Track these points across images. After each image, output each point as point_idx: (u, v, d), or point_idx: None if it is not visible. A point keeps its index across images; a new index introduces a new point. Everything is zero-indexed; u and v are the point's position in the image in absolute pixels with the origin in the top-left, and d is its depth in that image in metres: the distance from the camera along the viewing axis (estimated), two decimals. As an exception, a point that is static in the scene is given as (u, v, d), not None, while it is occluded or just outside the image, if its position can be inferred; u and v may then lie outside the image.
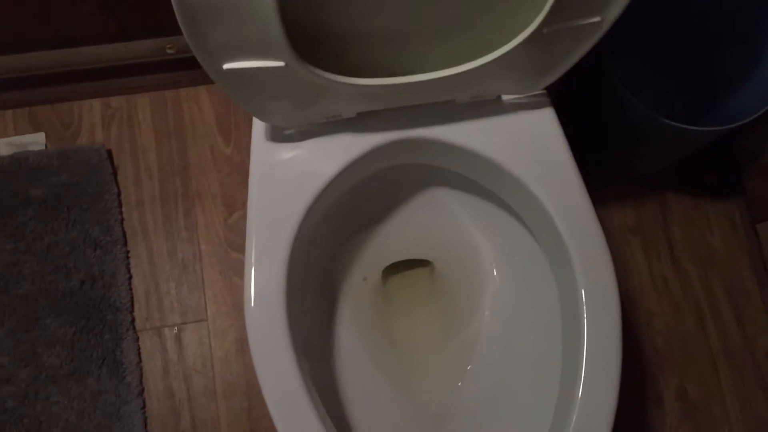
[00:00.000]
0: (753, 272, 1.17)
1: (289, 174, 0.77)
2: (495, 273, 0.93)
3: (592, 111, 1.10)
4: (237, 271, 1.14)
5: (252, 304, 0.73)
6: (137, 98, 1.19)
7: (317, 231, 0.80)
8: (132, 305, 1.11)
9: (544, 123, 0.81)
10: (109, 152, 1.16)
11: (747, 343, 1.14)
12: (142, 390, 1.08)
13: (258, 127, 0.79)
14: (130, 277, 1.12)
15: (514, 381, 0.87)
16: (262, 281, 0.73)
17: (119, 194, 1.15)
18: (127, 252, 1.13)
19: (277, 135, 0.78)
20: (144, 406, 1.07)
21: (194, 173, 1.17)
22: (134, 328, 1.10)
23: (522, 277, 0.91)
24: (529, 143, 0.80)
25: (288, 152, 0.78)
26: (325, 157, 0.78)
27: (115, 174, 1.15)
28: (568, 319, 0.78)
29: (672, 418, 1.11)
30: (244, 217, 1.15)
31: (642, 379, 1.12)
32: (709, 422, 1.11)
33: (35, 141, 1.16)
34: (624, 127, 1.03)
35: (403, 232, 0.94)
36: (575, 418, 0.70)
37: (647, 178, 1.21)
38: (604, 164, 1.19)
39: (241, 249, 1.14)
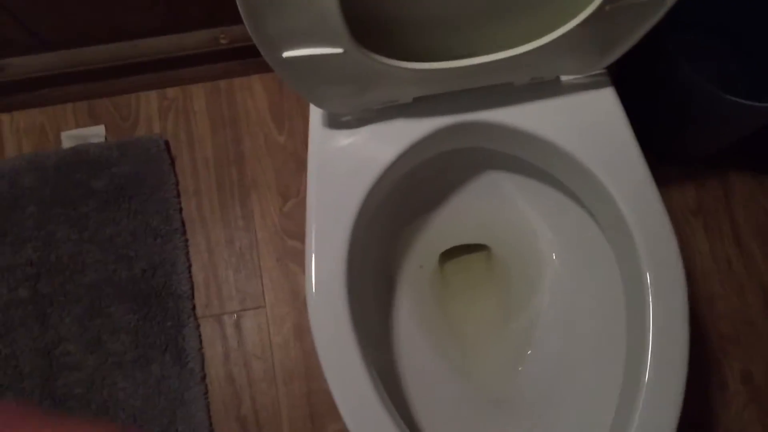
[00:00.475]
0: (821, 252, 1.13)
1: (346, 161, 0.77)
2: (554, 257, 0.92)
3: (649, 89, 1.07)
4: (293, 258, 1.15)
5: (313, 291, 0.73)
6: (192, 89, 1.21)
7: (375, 217, 0.81)
8: (192, 293, 1.13)
9: (605, 103, 0.79)
10: (167, 143, 1.18)
11: (816, 326, 1.11)
12: (204, 376, 1.10)
13: (315, 114, 0.79)
14: (190, 266, 1.14)
15: (576, 366, 0.86)
16: (323, 268, 0.74)
17: (177, 184, 1.17)
18: (186, 241, 1.15)
19: (334, 122, 0.78)
20: (206, 392, 1.09)
21: (249, 162, 1.18)
22: (195, 315, 1.12)
23: (582, 261, 0.89)
24: (590, 124, 0.78)
25: (345, 139, 0.78)
26: (383, 143, 0.77)
27: (172, 164, 1.17)
28: (632, 304, 0.77)
29: (737, 402, 1.08)
30: (298, 204, 1.16)
31: (706, 363, 1.10)
32: (777, 407, 1.08)
33: (95, 133, 1.19)
34: (685, 106, 1.00)
35: (459, 217, 0.93)
36: (642, 405, 0.69)
37: (708, 157, 1.17)
38: (663, 144, 1.16)
39: (296, 236, 1.15)
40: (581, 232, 0.87)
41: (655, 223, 0.75)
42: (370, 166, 0.77)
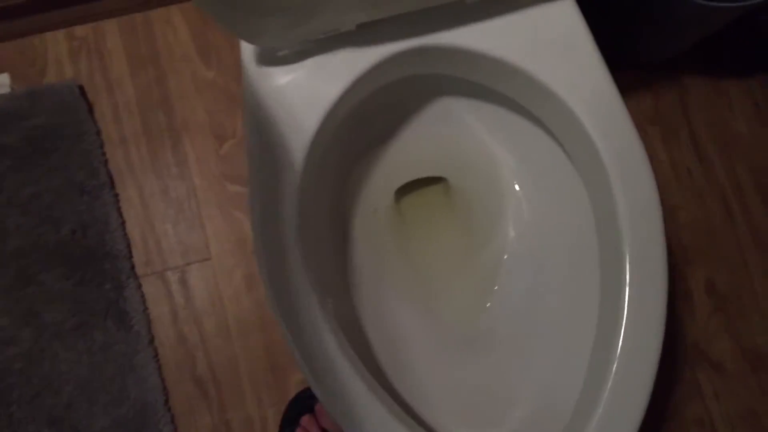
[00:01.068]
0: (779, 154, 1.11)
1: (287, 101, 0.69)
2: (516, 187, 0.86)
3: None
4: (236, 205, 1.06)
5: (261, 244, 0.66)
6: (104, 25, 1.09)
7: (325, 158, 0.73)
8: (129, 251, 1.04)
9: (564, 15, 0.72)
10: (81, 88, 1.07)
11: (776, 228, 1.10)
12: (153, 338, 1.03)
13: (247, 51, 0.70)
14: (124, 222, 1.05)
15: (547, 297, 0.82)
16: (271, 220, 0.67)
17: (99, 133, 1.06)
18: (116, 195, 1.05)
19: (270, 58, 0.69)
20: (156, 354, 1.02)
21: (177, 103, 1.08)
22: (135, 274, 1.04)
23: (547, 189, 0.84)
24: (549, 40, 0.71)
25: (284, 77, 0.69)
26: (326, 78, 0.69)
27: (91, 111, 1.06)
28: (604, 230, 0.73)
29: (702, 312, 1.07)
30: (236, 146, 1.07)
31: (669, 276, 1.08)
32: (740, 312, 1.08)
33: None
34: (642, 8, 0.93)
35: (413, 150, 0.86)
36: (623, 335, 0.66)
37: (663, 63, 1.12)
38: (616, 51, 1.10)
39: (237, 181, 1.07)
40: (545, 158, 0.81)
41: (625, 144, 0.70)
42: (315, 105, 0.69)
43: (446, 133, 0.87)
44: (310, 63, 0.69)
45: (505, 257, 0.86)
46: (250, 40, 0.66)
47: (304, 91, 0.69)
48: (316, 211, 0.78)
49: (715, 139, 1.11)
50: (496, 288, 0.86)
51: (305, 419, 1.00)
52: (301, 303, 0.66)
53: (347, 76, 0.69)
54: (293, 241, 0.66)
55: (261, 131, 0.68)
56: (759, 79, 1.12)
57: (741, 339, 1.07)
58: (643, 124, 1.11)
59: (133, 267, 1.04)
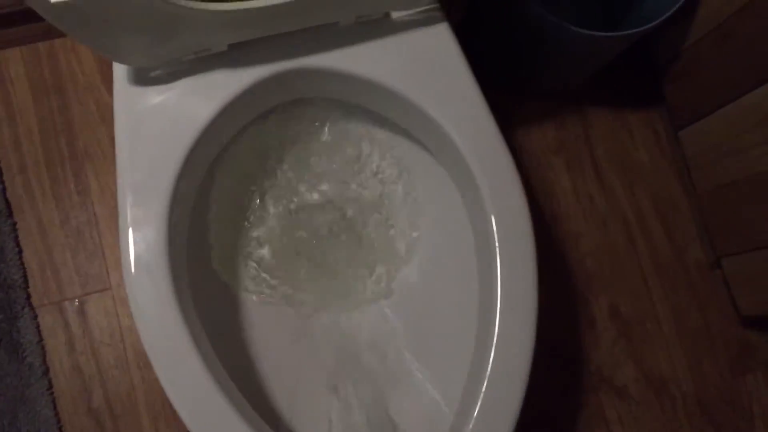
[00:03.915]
0: (679, 181, 1.13)
1: (159, 122, 0.69)
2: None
3: (498, 26, 1.03)
4: (139, 233, 1.05)
5: (132, 274, 0.65)
6: (7, 54, 1.07)
7: (203, 188, 0.73)
8: (26, 281, 1.02)
9: (439, 39, 0.74)
10: (-19, 117, 1.05)
11: (677, 254, 1.11)
12: (47, 370, 1.00)
13: (119, 70, 0.70)
14: (21, 251, 1.02)
15: (437, 314, 0.83)
16: (143, 246, 0.66)
17: (-2, 162, 1.04)
18: (14, 224, 1.03)
19: (142, 77, 0.69)
20: (51, 387, 0.99)
21: (80, 131, 1.07)
22: (30, 305, 1.01)
23: (431, 208, 0.85)
24: (423, 63, 0.73)
25: (156, 96, 0.69)
26: (199, 99, 0.69)
27: (-10, 140, 1.05)
28: (481, 250, 0.73)
29: (606, 338, 1.08)
30: (139, 173, 1.06)
31: (573, 303, 1.09)
32: (644, 337, 1.09)
33: None
34: (534, 40, 0.96)
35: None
36: (491, 362, 0.67)
37: (565, 93, 1.15)
38: (519, 83, 1.13)
39: (140, 208, 1.05)
40: (430, 176, 0.82)
41: (498, 164, 0.72)
42: (187, 126, 0.69)
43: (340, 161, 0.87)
44: (183, 83, 0.70)
45: (393, 285, 0.86)
46: (117, 59, 0.67)
47: (175, 112, 0.69)
48: (198, 236, 0.77)
49: (616, 167, 1.13)
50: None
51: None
52: (175, 343, 0.64)
53: (220, 98, 0.69)
54: (163, 271, 0.66)
55: (132, 152, 0.68)
56: (658, 109, 1.15)
57: (644, 364, 1.08)
58: (547, 154, 1.13)
59: (28, 297, 1.01)
